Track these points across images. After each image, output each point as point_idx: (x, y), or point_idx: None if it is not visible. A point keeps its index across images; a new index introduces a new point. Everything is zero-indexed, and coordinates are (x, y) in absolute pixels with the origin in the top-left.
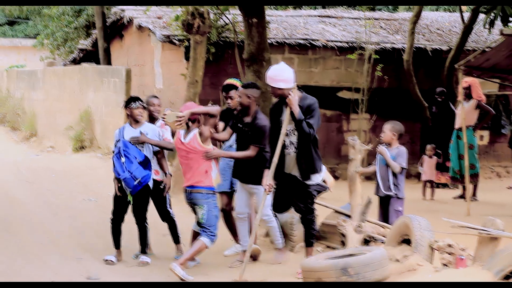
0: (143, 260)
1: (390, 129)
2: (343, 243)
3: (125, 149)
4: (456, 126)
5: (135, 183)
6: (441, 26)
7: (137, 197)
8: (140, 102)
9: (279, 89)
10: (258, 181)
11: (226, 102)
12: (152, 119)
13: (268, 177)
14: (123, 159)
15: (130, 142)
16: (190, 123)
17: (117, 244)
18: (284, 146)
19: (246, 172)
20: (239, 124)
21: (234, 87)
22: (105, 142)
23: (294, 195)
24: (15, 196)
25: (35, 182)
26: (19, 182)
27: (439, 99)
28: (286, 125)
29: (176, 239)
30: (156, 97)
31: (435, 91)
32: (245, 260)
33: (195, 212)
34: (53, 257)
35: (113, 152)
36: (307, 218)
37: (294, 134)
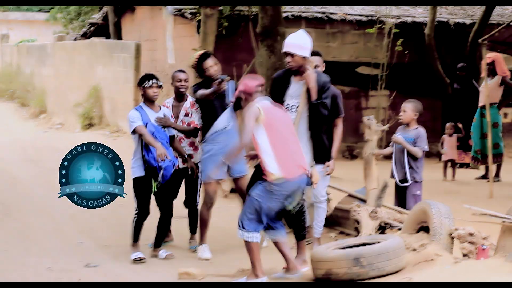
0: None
1: (412, 109)
2: (357, 230)
3: (159, 134)
4: (480, 103)
5: (174, 169)
6: None
7: (167, 184)
8: (155, 81)
9: (304, 58)
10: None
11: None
12: (180, 96)
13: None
14: None
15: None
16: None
17: (137, 237)
18: None
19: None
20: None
21: None
22: (114, 119)
23: None
24: (18, 176)
25: (39, 161)
26: (23, 162)
27: (461, 75)
28: (302, 105)
29: (193, 229)
30: (183, 71)
31: (456, 66)
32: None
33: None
34: (53, 243)
35: (142, 126)
36: (301, 210)
37: (293, 111)
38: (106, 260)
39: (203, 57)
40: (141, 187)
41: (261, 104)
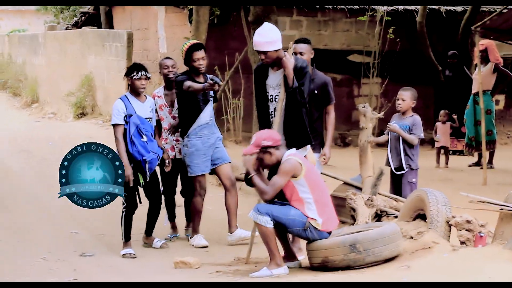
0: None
1: (410, 97)
2: (353, 218)
3: (144, 126)
4: (473, 90)
5: (158, 162)
6: None
7: (153, 176)
8: (144, 72)
9: (276, 51)
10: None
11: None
12: (169, 83)
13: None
14: (144, 138)
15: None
16: None
17: (129, 235)
18: (269, 114)
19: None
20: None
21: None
22: (106, 109)
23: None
24: (9, 166)
25: (32, 151)
26: (15, 152)
27: (452, 62)
28: (282, 92)
29: (190, 217)
30: (169, 58)
31: (447, 54)
32: None
33: None
34: (48, 233)
35: (121, 127)
36: None
37: (277, 101)
38: (101, 250)
39: (195, 47)
40: (128, 183)
41: (300, 158)
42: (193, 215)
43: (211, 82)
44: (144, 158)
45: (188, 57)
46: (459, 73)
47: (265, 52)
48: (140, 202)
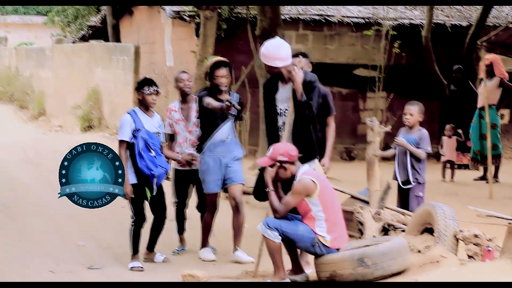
0: (165, 257)
1: (418, 111)
2: (360, 231)
3: (152, 141)
4: (479, 105)
5: (165, 176)
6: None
7: (159, 191)
8: (155, 87)
9: (275, 68)
10: None
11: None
12: (185, 96)
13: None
14: (153, 153)
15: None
16: None
17: (137, 248)
18: (277, 128)
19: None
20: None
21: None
22: (113, 122)
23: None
24: (19, 178)
25: (39, 164)
26: (23, 164)
27: (457, 77)
28: (291, 105)
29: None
30: (185, 72)
31: (452, 68)
32: None
33: None
34: (55, 244)
35: (129, 143)
36: None
37: (286, 115)
38: (109, 262)
39: (217, 64)
40: (135, 194)
41: (314, 177)
42: (203, 229)
43: (228, 104)
44: (152, 172)
45: (211, 73)
46: (464, 87)
47: (276, 68)
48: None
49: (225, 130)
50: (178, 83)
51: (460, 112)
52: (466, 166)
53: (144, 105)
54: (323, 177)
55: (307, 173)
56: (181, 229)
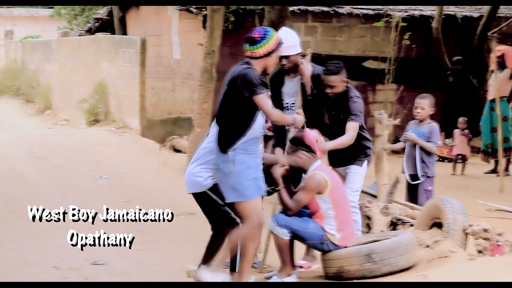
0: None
1: (429, 105)
2: (368, 226)
3: None
4: (490, 97)
5: None
6: None
7: None
8: None
9: (296, 55)
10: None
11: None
12: None
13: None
14: None
15: None
16: None
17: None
18: None
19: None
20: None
21: None
22: (120, 115)
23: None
24: (23, 173)
25: (45, 158)
26: (28, 158)
27: (457, 69)
28: (299, 99)
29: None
30: None
31: (455, 60)
32: None
33: None
34: (59, 240)
35: None
36: None
37: (292, 109)
38: (113, 258)
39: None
40: None
41: (326, 173)
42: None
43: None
44: None
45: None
46: (462, 79)
47: (287, 57)
48: None
49: (260, 124)
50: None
51: (457, 104)
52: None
53: None
54: (334, 173)
55: (319, 168)
56: None
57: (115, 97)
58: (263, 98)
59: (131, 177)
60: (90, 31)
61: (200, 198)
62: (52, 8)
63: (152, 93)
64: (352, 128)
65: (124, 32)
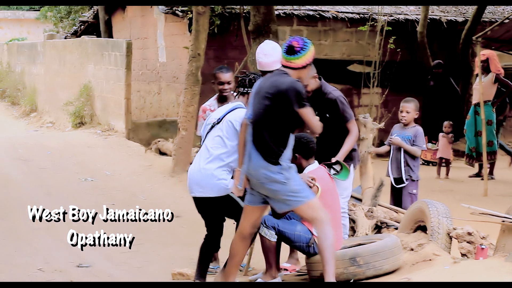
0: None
1: (414, 109)
2: (353, 229)
3: None
4: (474, 101)
5: None
6: None
7: None
8: None
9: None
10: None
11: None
12: (224, 97)
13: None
14: None
15: None
16: None
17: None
18: None
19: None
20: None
21: None
22: (105, 118)
23: None
24: (8, 175)
25: (30, 160)
26: (13, 160)
27: (437, 72)
28: None
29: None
30: (226, 68)
31: (435, 64)
32: None
33: None
34: (45, 243)
35: None
36: None
37: None
38: (98, 261)
39: None
40: None
41: (319, 179)
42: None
43: None
44: None
45: None
46: (443, 83)
47: (271, 72)
48: None
49: None
50: (216, 83)
51: (436, 108)
52: (433, 163)
53: None
54: (328, 178)
55: (312, 173)
56: None
57: (101, 99)
58: (311, 112)
59: (116, 180)
60: (76, 34)
61: (216, 201)
62: (38, 10)
63: (138, 96)
64: (351, 126)
65: (110, 35)
